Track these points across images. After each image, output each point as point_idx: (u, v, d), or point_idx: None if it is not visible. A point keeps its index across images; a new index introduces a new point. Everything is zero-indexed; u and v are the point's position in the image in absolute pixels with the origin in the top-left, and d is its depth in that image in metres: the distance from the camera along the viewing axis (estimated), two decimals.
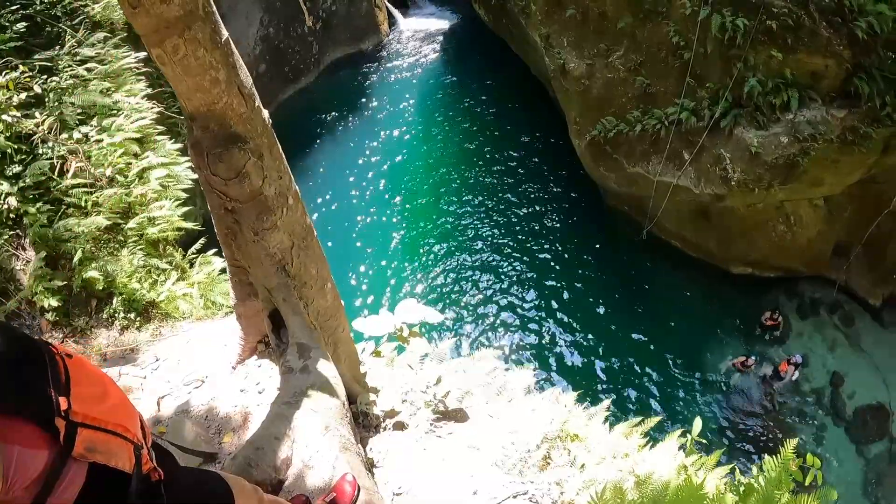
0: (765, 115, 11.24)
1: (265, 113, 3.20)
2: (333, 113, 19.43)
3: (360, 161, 17.61)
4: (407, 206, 16.15)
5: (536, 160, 16.71)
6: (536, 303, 13.82)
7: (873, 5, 10.04)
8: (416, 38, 22.49)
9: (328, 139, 18.57)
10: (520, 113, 18.14)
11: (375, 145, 18.15)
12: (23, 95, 7.44)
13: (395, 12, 23.07)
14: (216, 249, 8.16)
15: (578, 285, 14.06)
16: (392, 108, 19.46)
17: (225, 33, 2.92)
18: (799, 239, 12.91)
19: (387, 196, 16.48)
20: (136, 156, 7.86)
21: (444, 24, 22.90)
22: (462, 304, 13.77)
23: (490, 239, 15.10)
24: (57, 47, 8.16)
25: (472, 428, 4.37)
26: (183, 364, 5.55)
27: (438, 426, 4.24)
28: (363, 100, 20.01)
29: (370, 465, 3.55)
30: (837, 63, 10.59)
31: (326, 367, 3.20)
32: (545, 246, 14.81)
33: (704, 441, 5.90)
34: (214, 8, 2.90)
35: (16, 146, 7.21)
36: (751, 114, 11.37)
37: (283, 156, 3.38)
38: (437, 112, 19.10)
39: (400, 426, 4.25)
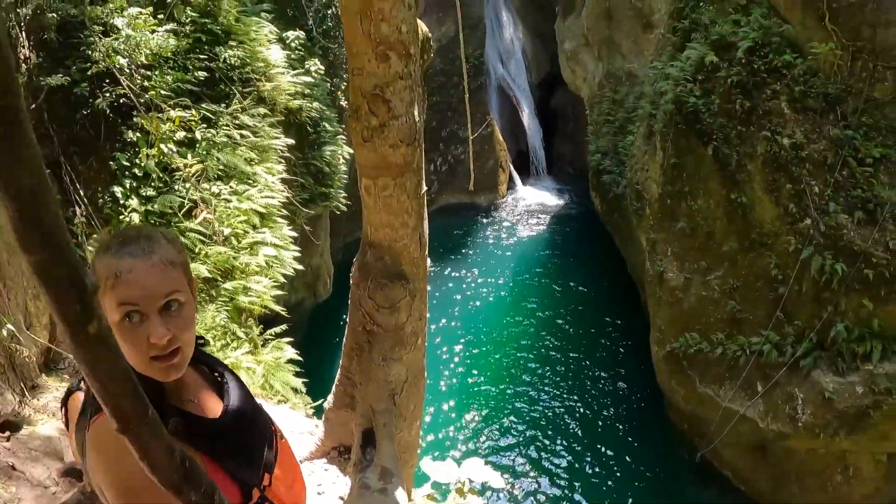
0: (845, 361, 11.12)
1: (429, 261, 3.57)
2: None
3: (440, 302, 17.99)
4: (473, 361, 16.29)
5: (610, 354, 16.81)
6: (579, 495, 13.60)
7: None
8: (530, 207, 23.13)
9: None
10: (607, 307, 18.30)
11: (458, 297, 18.52)
12: (182, 134, 8.25)
13: (517, 177, 23.71)
14: (292, 339, 8.49)
15: (623, 490, 13.76)
16: (485, 267, 19.94)
17: (424, 187, 3.36)
18: (855, 493, 12.23)
19: (457, 345, 16.68)
20: (254, 227, 8.43)
21: (558, 201, 23.49)
22: (507, 469, 13.68)
23: (547, 417, 15.04)
24: (223, 105, 8.94)
25: None
26: None
27: None
28: (460, 249, 20.54)
29: None
30: None
31: (402, 497, 3.34)
32: (599, 437, 14.61)
33: None
34: (423, 164, 3.34)
35: (160, 174, 7.94)
36: (832, 358, 11.24)
37: (427, 301, 3.72)
38: (526, 284, 19.46)
39: None
